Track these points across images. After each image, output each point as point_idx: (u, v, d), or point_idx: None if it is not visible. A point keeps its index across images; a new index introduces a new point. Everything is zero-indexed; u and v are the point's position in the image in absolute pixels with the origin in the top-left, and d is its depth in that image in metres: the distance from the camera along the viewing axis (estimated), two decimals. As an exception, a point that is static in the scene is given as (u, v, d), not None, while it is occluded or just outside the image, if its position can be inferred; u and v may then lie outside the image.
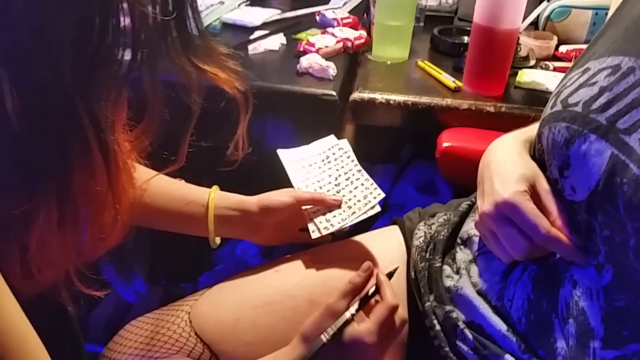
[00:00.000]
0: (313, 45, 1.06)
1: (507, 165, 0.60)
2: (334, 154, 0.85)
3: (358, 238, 0.80)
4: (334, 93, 0.95)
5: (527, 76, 1.02)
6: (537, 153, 0.61)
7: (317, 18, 1.24)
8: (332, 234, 0.76)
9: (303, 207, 0.77)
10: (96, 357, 0.70)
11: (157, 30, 0.49)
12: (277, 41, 1.10)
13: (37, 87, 0.37)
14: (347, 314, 0.60)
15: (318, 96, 0.94)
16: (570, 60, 1.12)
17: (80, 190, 0.41)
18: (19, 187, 0.39)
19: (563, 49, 1.14)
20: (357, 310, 0.61)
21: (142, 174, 0.70)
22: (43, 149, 0.38)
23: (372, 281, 0.65)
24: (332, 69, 0.98)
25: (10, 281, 0.41)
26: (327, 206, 0.77)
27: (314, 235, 0.75)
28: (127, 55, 0.42)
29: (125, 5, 0.39)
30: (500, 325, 0.59)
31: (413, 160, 1.37)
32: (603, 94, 0.52)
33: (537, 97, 0.99)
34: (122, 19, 0.39)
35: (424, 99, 0.96)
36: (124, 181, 0.44)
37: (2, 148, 0.37)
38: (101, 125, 0.40)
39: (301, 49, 1.07)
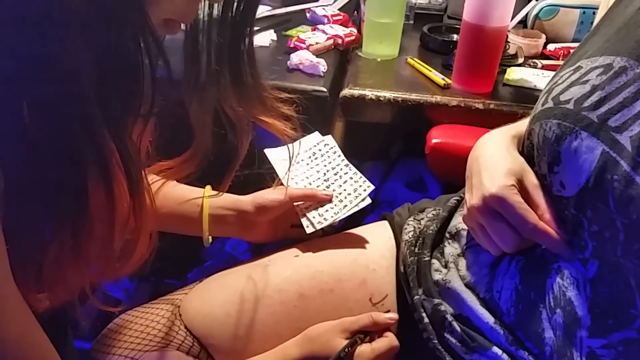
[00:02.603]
0: (304, 41, 1.06)
1: (495, 160, 0.61)
2: (320, 150, 0.86)
3: (348, 233, 0.80)
4: (325, 89, 0.95)
5: (515, 74, 1.03)
6: (525, 149, 0.62)
7: (308, 15, 1.25)
8: (322, 229, 0.77)
9: (295, 203, 0.77)
10: (84, 354, 0.70)
11: (208, 76, 0.49)
12: (267, 37, 1.10)
13: (57, 114, 0.37)
14: (357, 337, 0.65)
15: (308, 92, 0.95)
16: (558, 59, 1.13)
17: (100, 216, 0.41)
18: (36, 211, 0.39)
19: (551, 47, 1.16)
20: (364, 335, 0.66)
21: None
22: (61, 176, 0.38)
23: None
24: (322, 65, 0.99)
25: (23, 298, 0.42)
26: (318, 201, 0.78)
27: (309, 230, 0.76)
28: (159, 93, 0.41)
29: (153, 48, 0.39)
30: (488, 317, 0.60)
31: (402, 157, 1.38)
32: (595, 92, 0.53)
33: (525, 94, 1.00)
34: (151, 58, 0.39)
35: (414, 96, 0.96)
36: (147, 210, 0.44)
37: (19, 172, 0.37)
38: (128, 156, 0.40)
39: (292, 46, 1.07)
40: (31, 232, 0.40)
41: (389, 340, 0.66)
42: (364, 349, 0.64)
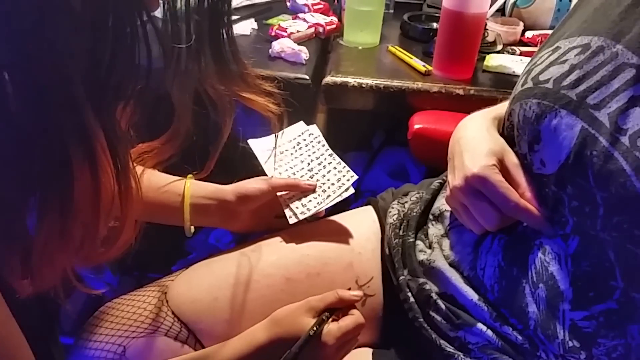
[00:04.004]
0: (285, 30, 1.06)
1: (476, 141, 0.62)
2: (304, 139, 0.86)
3: (333, 218, 0.81)
4: (307, 77, 0.95)
5: (494, 60, 1.05)
6: (505, 130, 0.63)
7: (288, 4, 1.24)
8: (305, 219, 0.77)
9: (278, 194, 0.77)
10: (69, 350, 0.69)
11: (189, 55, 0.49)
12: (248, 26, 1.10)
13: (44, 96, 0.36)
14: (324, 316, 0.64)
15: (291, 80, 0.95)
16: (536, 45, 1.15)
17: (86, 200, 0.40)
18: (21, 195, 0.39)
19: (529, 34, 1.17)
20: (330, 314, 0.65)
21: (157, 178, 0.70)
22: (47, 158, 0.38)
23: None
24: (304, 53, 0.99)
25: (8, 282, 0.41)
26: (301, 191, 0.77)
27: (291, 220, 0.75)
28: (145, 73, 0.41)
29: (143, 27, 0.38)
30: (472, 295, 0.61)
31: (384, 146, 1.39)
32: (573, 71, 0.54)
33: (504, 80, 1.01)
34: (138, 39, 0.38)
35: (396, 83, 0.97)
36: (133, 195, 0.44)
37: (5, 153, 0.37)
38: (116, 141, 0.40)
39: (273, 34, 1.07)
40: (16, 215, 0.40)
41: (355, 317, 0.65)
42: (331, 327, 0.63)
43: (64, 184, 0.39)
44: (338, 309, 0.66)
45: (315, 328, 0.62)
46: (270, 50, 1.00)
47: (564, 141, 0.52)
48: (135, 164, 0.59)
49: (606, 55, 0.52)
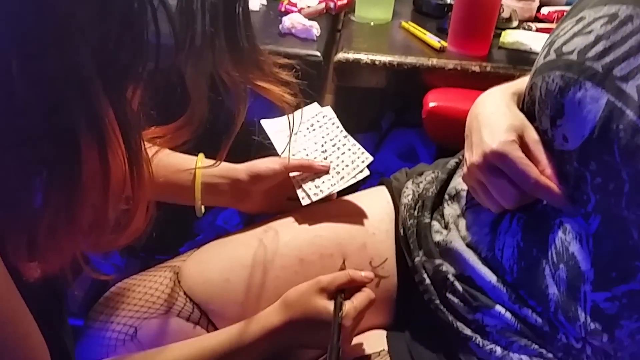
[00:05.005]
0: (295, 5, 1.04)
1: (495, 117, 0.60)
2: (318, 121, 0.84)
3: (347, 198, 0.79)
4: (319, 54, 0.93)
5: (510, 37, 1.02)
6: (525, 106, 0.61)
7: (298, -21, 1.22)
8: (318, 201, 0.75)
9: (291, 174, 0.75)
10: (77, 331, 0.69)
11: (203, 39, 0.48)
12: (257, 2, 1.08)
13: (50, 72, 0.35)
14: (340, 299, 0.63)
15: (302, 57, 0.93)
16: (552, 22, 1.12)
17: (94, 183, 0.39)
18: (27, 175, 0.38)
19: (545, 10, 1.15)
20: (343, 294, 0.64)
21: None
22: (54, 137, 0.36)
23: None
24: (315, 28, 0.97)
25: (15, 265, 0.40)
26: (315, 172, 0.76)
27: (304, 202, 0.74)
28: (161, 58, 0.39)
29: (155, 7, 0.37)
30: (490, 276, 0.60)
31: (393, 127, 1.37)
32: (599, 42, 0.52)
33: (521, 57, 0.99)
34: (150, 23, 0.37)
35: (410, 59, 0.95)
36: (145, 181, 0.43)
37: (11, 132, 0.35)
38: (127, 124, 0.39)
39: (283, 9, 1.05)
40: (21, 196, 0.39)
41: (366, 294, 0.64)
42: (347, 309, 0.62)
43: (72, 165, 0.38)
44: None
45: (340, 314, 0.61)
46: (280, 26, 0.98)
47: (589, 115, 0.50)
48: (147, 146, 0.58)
49: (635, 25, 0.50)
